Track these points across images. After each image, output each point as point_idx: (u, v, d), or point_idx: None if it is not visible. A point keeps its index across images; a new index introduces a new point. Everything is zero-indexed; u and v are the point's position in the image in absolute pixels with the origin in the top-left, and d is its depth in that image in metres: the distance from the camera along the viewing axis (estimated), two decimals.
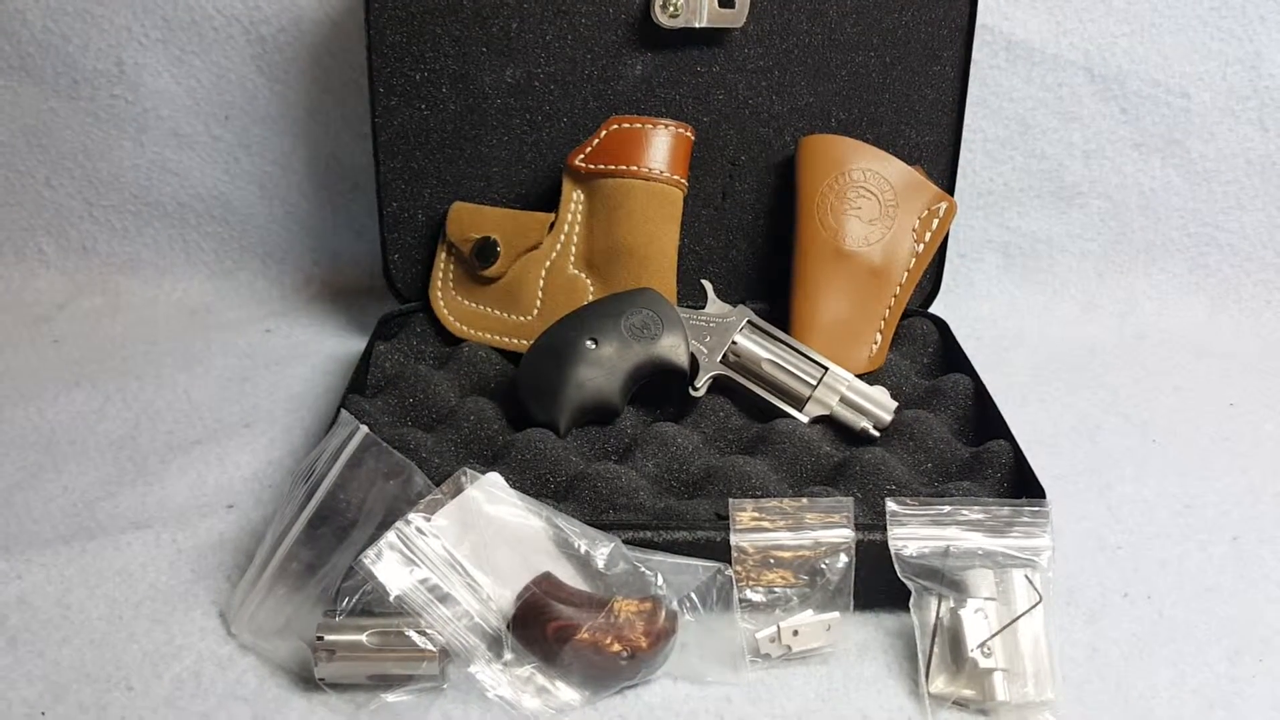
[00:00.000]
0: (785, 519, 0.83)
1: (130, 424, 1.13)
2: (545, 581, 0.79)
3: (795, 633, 0.80)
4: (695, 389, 1.03)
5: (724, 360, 1.04)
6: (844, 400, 1.02)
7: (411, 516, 0.80)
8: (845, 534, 0.82)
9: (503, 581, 0.79)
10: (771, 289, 1.18)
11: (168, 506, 0.99)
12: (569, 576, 0.81)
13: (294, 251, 1.42)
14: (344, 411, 0.87)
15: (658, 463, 0.97)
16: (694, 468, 0.97)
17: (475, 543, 0.80)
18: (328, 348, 1.31)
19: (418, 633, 0.77)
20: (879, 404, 1.02)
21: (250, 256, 1.43)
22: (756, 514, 0.83)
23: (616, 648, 0.77)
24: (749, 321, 1.06)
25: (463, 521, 0.81)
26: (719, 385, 1.05)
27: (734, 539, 0.82)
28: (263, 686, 0.79)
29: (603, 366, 1.00)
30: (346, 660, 0.77)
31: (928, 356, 1.17)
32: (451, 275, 1.17)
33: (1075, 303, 1.41)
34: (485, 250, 1.13)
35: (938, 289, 1.22)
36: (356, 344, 1.28)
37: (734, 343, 1.04)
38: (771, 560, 0.82)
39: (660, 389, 1.04)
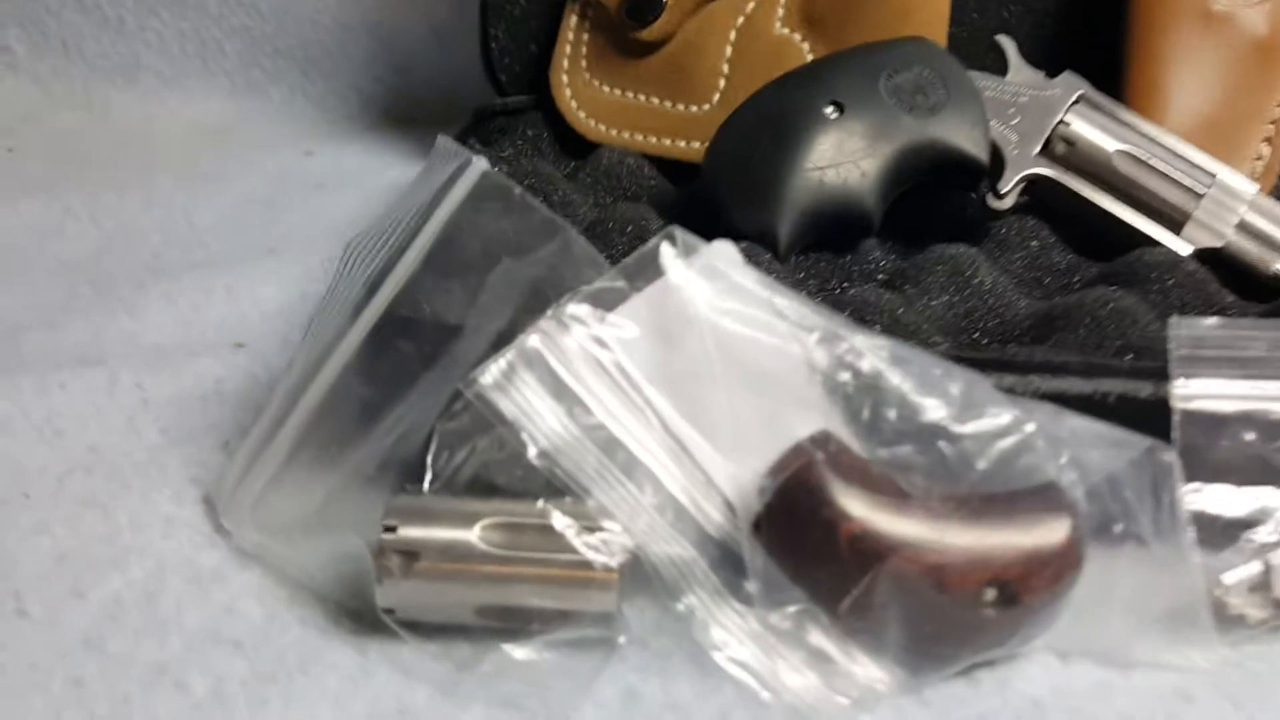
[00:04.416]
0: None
1: (97, 243, 0.81)
2: (828, 446, 0.42)
3: None
4: (999, 197, 0.67)
5: (1045, 153, 0.67)
6: (1244, 226, 0.65)
7: (571, 308, 0.44)
8: None
9: (739, 443, 0.43)
10: (1090, 65, 0.79)
11: (137, 342, 0.66)
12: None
13: (347, 60, 1.10)
14: (444, 138, 0.52)
15: (949, 301, 0.61)
16: (1014, 314, 0.60)
17: (687, 369, 0.44)
18: (389, 176, 0.97)
19: (580, 526, 0.41)
20: None
21: (287, 65, 1.11)
22: (1222, 344, 0.46)
23: (977, 581, 0.40)
24: (1083, 96, 0.68)
25: (663, 328, 0.45)
26: (1033, 198, 0.68)
27: (1181, 388, 0.45)
28: (273, 622, 0.44)
29: (850, 149, 0.64)
30: (438, 576, 0.41)
31: None
32: (585, 47, 0.85)
33: None
34: (642, 2, 0.75)
35: None
36: None
37: (1064, 123, 0.67)
38: None
39: (930, 197, 0.67)
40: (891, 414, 0.42)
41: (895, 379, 0.43)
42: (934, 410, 0.42)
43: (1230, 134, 0.76)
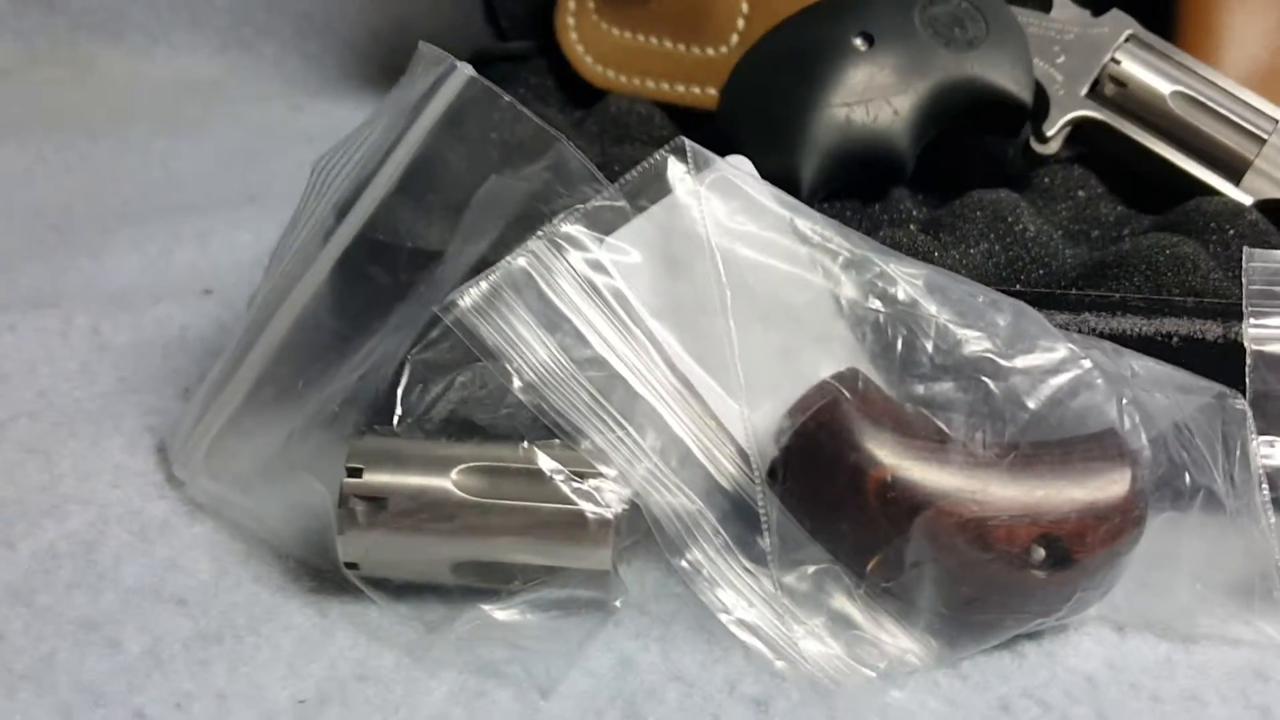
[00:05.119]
0: None
1: (66, 190, 0.77)
2: (855, 385, 0.38)
3: None
4: (1043, 141, 0.62)
5: (1093, 94, 0.63)
6: None
7: (565, 228, 0.40)
8: None
9: (754, 382, 0.39)
10: (1136, 5, 0.74)
11: (97, 287, 0.62)
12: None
13: (341, 14, 1.07)
14: (427, 45, 0.47)
15: (989, 249, 0.56)
16: (1060, 263, 0.56)
17: (695, 298, 0.40)
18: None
19: (570, 471, 0.37)
20: None
21: (279, 21, 1.08)
22: None
23: (1024, 538, 0.36)
24: (1133, 34, 0.64)
25: (668, 252, 0.40)
26: (1078, 145, 0.64)
27: (1254, 327, 0.41)
28: (223, 579, 0.40)
29: (881, 84, 0.60)
30: (408, 526, 0.37)
31: None
32: None
33: None
34: None
35: None
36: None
37: (1115, 62, 0.62)
38: None
39: (966, 145, 0.64)
40: (929, 345, 0.37)
41: (932, 308, 0.38)
42: (977, 342, 0.38)
43: None
